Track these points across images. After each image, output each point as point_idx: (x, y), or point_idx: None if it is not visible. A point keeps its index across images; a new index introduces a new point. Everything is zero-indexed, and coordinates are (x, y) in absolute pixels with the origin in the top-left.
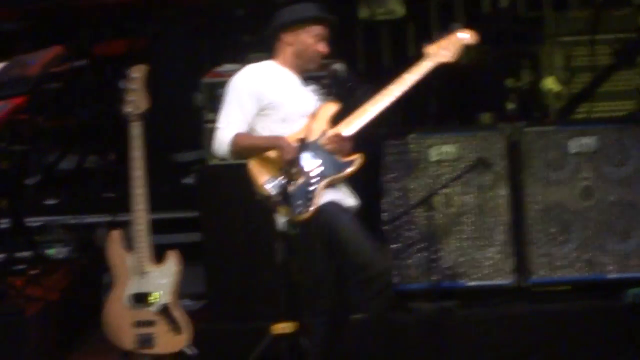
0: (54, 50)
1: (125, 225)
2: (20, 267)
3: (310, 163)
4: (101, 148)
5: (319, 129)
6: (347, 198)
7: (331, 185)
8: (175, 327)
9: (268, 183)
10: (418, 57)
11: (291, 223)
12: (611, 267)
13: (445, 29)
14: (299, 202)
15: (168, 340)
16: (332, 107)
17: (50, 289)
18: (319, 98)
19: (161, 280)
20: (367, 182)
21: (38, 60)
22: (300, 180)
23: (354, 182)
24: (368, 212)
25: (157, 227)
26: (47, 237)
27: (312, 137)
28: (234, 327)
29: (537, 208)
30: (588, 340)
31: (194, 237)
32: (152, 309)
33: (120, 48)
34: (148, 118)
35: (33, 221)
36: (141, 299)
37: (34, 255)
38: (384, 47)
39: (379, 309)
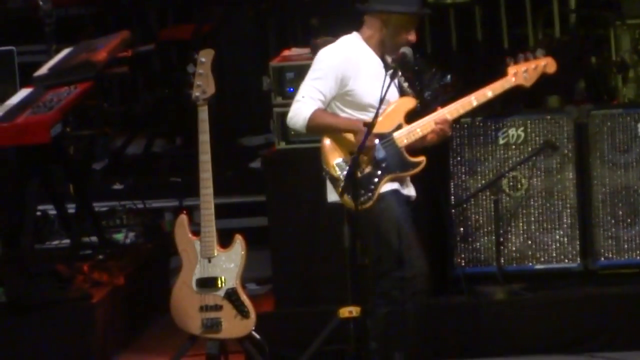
0: (121, 35)
1: (192, 210)
2: (87, 252)
3: (380, 154)
4: (168, 133)
5: (395, 122)
6: (407, 188)
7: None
8: (241, 311)
9: (338, 164)
10: (501, 73)
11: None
12: None
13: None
14: (362, 191)
15: (234, 325)
16: (411, 103)
17: (116, 274)
18: (397, 86)
19: (227, 265)
20: (435, 166)
21: (104, 46)
22: (367, 170)
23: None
24: (435, 195)
25: (223, 212)
26: (114, 222)
27: (387, 129)
28: (300, 311)
29: (604, 191)
30: None
31: (260, 221)
32: (219, 293)
33: (186, 33)
34: (215, 102)
35: (100, 206)
36: (208, 283)
37: (101, 240)
38: (451, 31)
39: (410, 310)
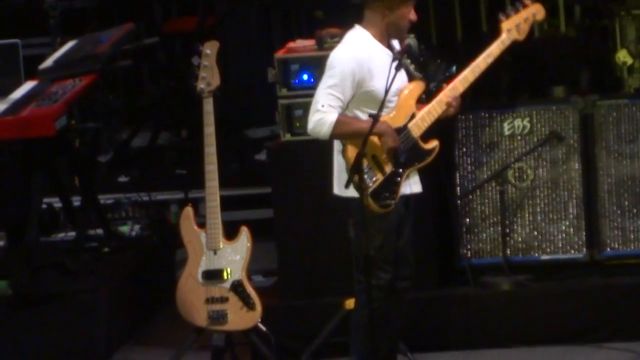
0: (125, 28)
1: (197, 202)
2: (93, 244)
3: (401, 151)
4: (173, 125)
5: (408, 113)
6: (414, 185)
7: None
8: (247, 303)
9: (364, 171)
10: (494, 31)
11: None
12: None
13: (517, 2)
14: (386, 193)
15: (240, 317)
16: (419, 87)
17: (122, 266)
18: (405, 72)
19: (233, 257)
20: (441, 157)
21: (109, 38)
22: (388, 169)
23: None
24: (441, 186)
25: (229, 204)
26: (119, 214)
27: (402, 122)
28: (306, 303)
29: (610, 181)
30: None
31: (265, 213)
32: (225, 285)
33: (190, 25)
34: (220, 94)
35: (105, 199)
36: (213, 275)
37: (107, 233)
38: (456, 22)
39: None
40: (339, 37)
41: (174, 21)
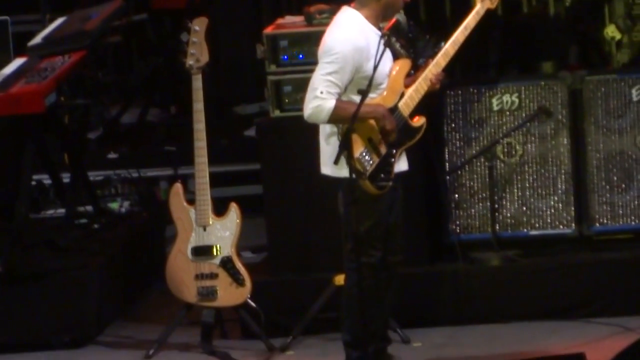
0: (114, 4)
1: (187, 178)
2: (83, 221)
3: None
4: (162, 101)
5: (398, 92)
6: (402, 162)
7: None
8: (237, 279)
9: (362, 156)
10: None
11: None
12: None
13: None
14: (382, 175)
15: (230, 293)
16: (406, 65)
17: (112, 242)
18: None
19: (223, 233)
20: (429, 133)
21: (98, 15)
22: (383, 150)
23: None
24: (430, 162)
25: (218, 180)
26: (109, 191)
27: (393, 102)
28: (295, 278)
29: (598, 156)
30: None
31: (255, 189)
32: (214, 261)
33: (179, 1)
34: (209, 71)
35: (95, 175)
36: (203, 251)
37: (96, 210)
38: None
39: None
40: (327, 14)
41: None
